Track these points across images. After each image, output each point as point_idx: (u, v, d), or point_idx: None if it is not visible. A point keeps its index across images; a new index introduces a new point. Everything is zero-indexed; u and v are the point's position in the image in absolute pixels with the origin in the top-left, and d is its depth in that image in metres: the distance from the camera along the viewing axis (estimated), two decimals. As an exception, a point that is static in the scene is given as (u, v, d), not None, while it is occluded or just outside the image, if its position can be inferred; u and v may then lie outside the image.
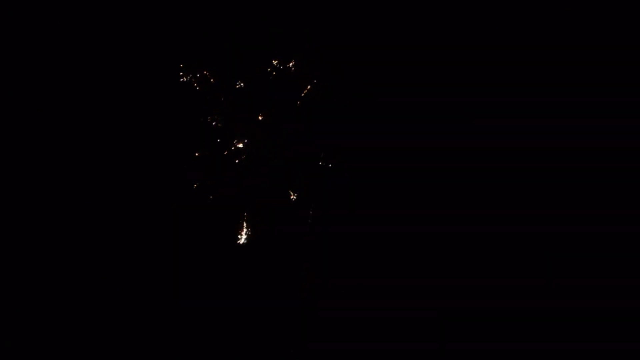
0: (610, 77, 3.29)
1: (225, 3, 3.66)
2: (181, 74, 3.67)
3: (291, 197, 3.62)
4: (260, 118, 3.65)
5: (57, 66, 3.68)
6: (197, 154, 3.66)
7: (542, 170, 3.37)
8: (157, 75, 3.76)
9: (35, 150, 3.59)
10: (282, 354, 3.33)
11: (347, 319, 3.34)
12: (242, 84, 3.66)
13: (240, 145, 3.66)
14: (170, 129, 3.75)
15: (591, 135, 3.29)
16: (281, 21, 3.62)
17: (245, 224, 3.61)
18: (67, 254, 3.49)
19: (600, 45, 3.29)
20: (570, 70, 3.35)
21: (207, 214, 3.68)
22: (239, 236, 3.58)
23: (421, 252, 3.41)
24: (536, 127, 3.37)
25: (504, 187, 3.40)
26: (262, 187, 3.64)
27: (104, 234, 3.57)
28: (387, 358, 3.23)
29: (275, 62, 3.64)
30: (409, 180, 3.50)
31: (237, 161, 3.67)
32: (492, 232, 3.36)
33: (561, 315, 3.16)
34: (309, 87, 3.61)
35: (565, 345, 3.10)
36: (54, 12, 3.67)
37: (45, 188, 3.55)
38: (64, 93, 3.68)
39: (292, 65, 3.63)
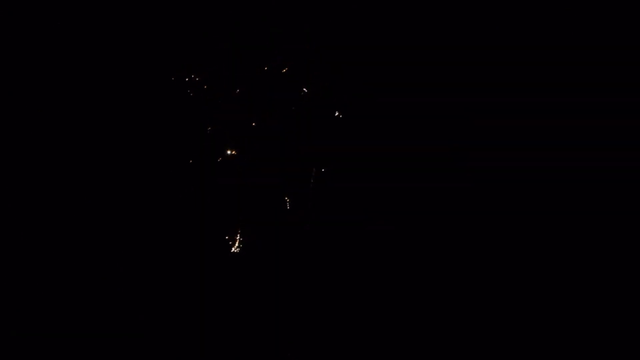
0: (610, 77, 3.32)
1: (225, 3, 3.67)
2: (178, 76, 3.67)
3: (286, 201, 3.59)
4: (253, 125, 3.64)
5: (55, 66, 3.67)
6: (191, 161, 3.64)
7: (542, 171, 3.37)
8: (155, 77, 3.75)
9: (32, 151, 3.57)
10: (280, 354, 3.29)
11: (347, 319, 3.30)
12: (238, 90, 3.66)
13: (234, 152, 3.64)
14: (168, 132, 3.72)
15: (591, 135, 3.30)
16: (281, 21, 3.64)
17: (239, 230, 3.57)
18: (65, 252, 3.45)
19: (600, 45, 3.32)
20: (570, 70, 3.37)
21: (202, 219, 3.64)
22: (232, 243, 3.54)
23: (422, 253, 3.38)
24: (536, 128, 3.38)
25: (505, 188, 3.39)
26: (257, 192, 3.61)
27: (99, 236, 3.53)
28: (388, 358, 3.19)
29: (275, 63, 3.64)
30: (409, 181, 3.48)
31: (232, 166, 3.65)
32: (493, 233, 3.34)
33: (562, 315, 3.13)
34: (308, 87, 3.61)
35: (566, 345, 3.06)
36: (53, 12, 3.68)
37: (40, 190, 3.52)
38: (59, 94, 3.66)
39: (292, 65, 3.63)
